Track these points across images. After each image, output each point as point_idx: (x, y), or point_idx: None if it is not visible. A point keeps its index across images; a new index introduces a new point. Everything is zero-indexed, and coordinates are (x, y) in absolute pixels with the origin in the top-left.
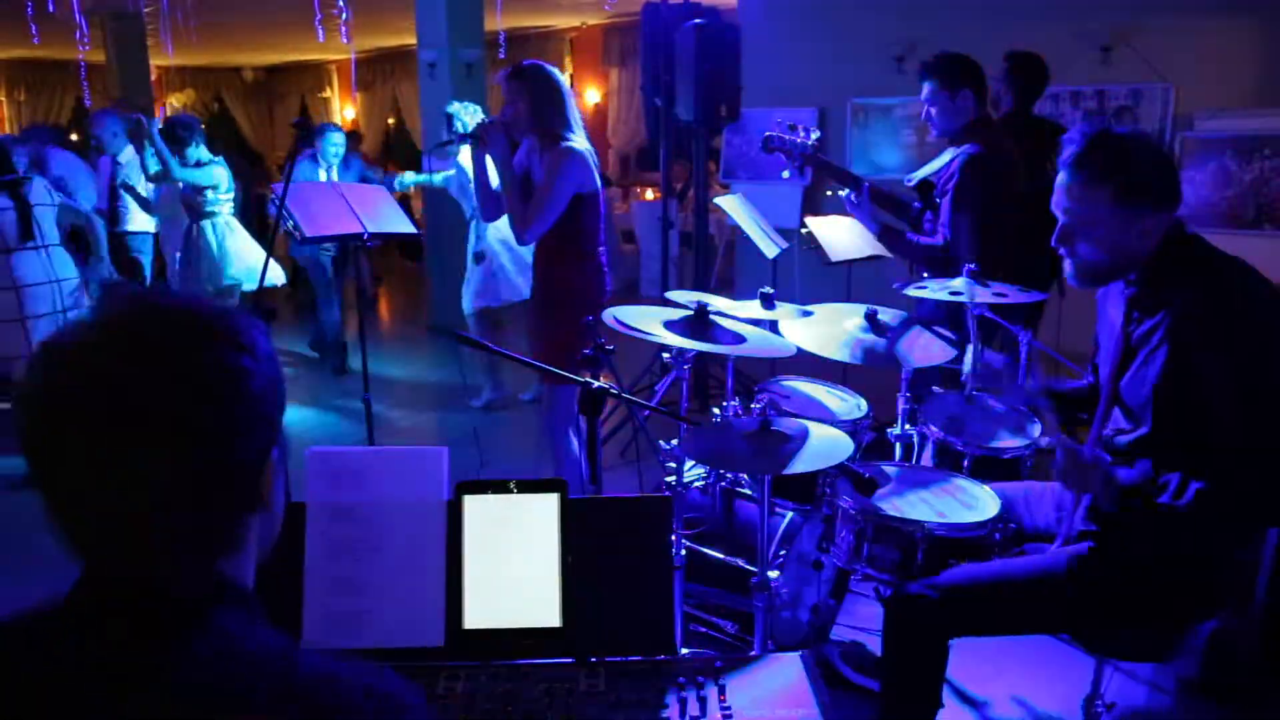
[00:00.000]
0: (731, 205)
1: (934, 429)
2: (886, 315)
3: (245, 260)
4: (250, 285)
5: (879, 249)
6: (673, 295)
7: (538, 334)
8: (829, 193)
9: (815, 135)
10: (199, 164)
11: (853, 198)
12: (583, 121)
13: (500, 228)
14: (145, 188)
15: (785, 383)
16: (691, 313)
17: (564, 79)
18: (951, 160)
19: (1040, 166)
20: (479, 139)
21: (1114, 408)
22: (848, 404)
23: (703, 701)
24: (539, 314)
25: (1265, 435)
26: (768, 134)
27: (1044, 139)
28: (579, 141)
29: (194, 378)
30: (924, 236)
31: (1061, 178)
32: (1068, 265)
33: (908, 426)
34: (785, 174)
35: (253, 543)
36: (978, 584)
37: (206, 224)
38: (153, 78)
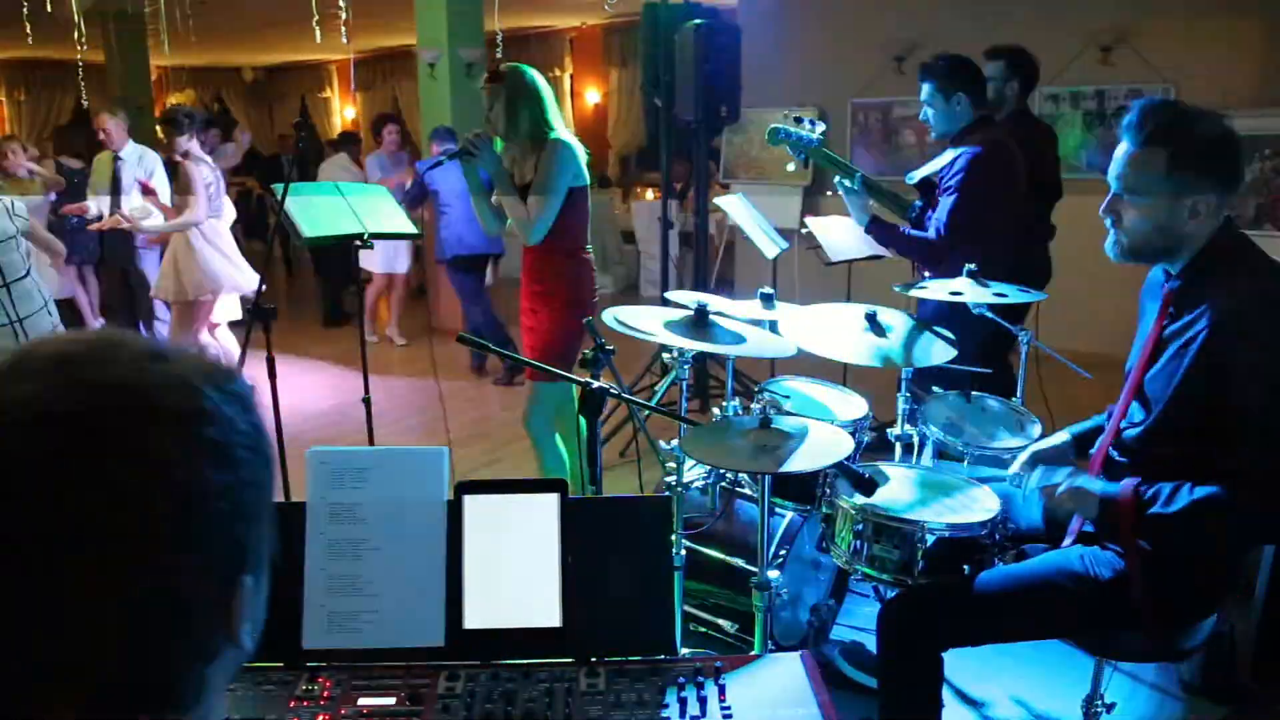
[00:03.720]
0: (732, 205)
1: (934, 429)
2: (886, 315)
3: (213, 272)
4: (218, 295)
5: (878, 248)
6: (672, 295)
7: (528, 331)
8: (829, 193)
9: (821, 128)
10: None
11: (849, 185)
12: (566, 120)
13: None
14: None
15: (785, 383)
16: (691, 313)
17: (542, 80)
18: (955, 159)
19: (1040, 164)
20: (469, 153)
21: (1133, 400)
22: (848, 404)
23: (703, 701)
24: (528, 310)
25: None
26: (773, 126)
27: (1041, 137)
28: (565, 135)
29: (123, 474)
30: (917, 230)
31: (1120, 146)
32: (1110, 238)
33: (908, 426)
34: (791, 166)
35: (219, 683)
36: (968, 597)
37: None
38: (153, 78)
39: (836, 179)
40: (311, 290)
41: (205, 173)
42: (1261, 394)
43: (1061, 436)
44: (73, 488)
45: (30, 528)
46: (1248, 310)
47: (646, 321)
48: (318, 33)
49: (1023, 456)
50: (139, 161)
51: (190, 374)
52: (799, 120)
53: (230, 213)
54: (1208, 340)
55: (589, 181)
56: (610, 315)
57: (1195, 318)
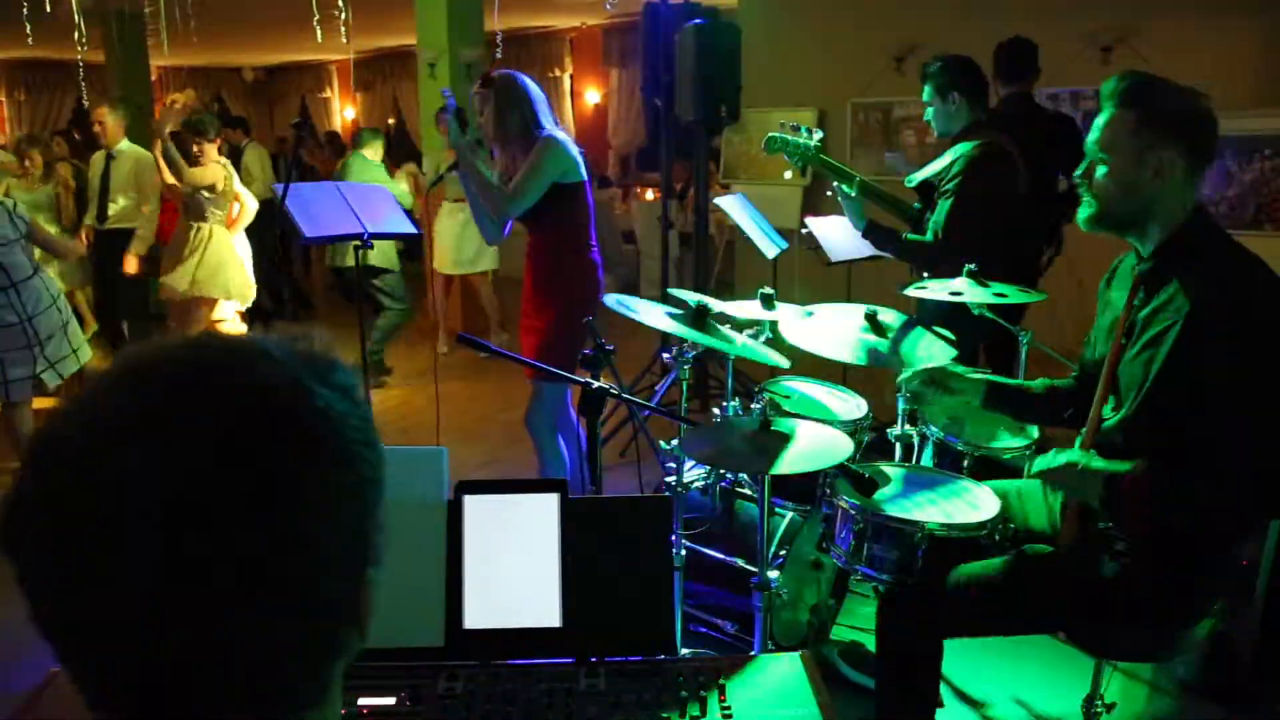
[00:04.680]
0: (731, 205)
1: (934, 429)
2: (886, 315)
3: (222, 274)
4: (229, 300)
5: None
6: (673, 293)
7: (529, 330)
8: (829, 194)
9: (818, 136)
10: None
11: (848, 190)
12: (566, 121)
13: None
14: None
15: (785, 383)
16: (691, 310)
17: (534, 85)
18: (953, 161)
19: (1039, 161)
20: (459, 163)
21: (1109, 391)
22: (848, 404)
23: (703, 701)
24: (530, 310)
25: (1263, 431)
26: (770, 134)
27: (1043, 129)
28: (557, 133)
29: (251, 486)
30: (914, 235)
31: (1101, 114)
32: (1083, 205)
33: (908, 426)
34: (788, 174)
35: (339, 677)
36: (970, 584)
37: (194, 227)
38: (153, 78)
39: (835, 184)
40: (315, 292)
41: (216, 176)
42: (1242, 380)
43: (975, 374)
44: (202, 505)
45: (159, 552)
46: (1222, 297)
47: (647, 316)
48: (318, 32)
49: (924, 369)
50: (134, 162)
51: (300, 372)
52: (796, 128)
53: (250, 211)
54: (1183, 328)
55: (585, 179)
56: (612, 299)
57: (1167, 301)
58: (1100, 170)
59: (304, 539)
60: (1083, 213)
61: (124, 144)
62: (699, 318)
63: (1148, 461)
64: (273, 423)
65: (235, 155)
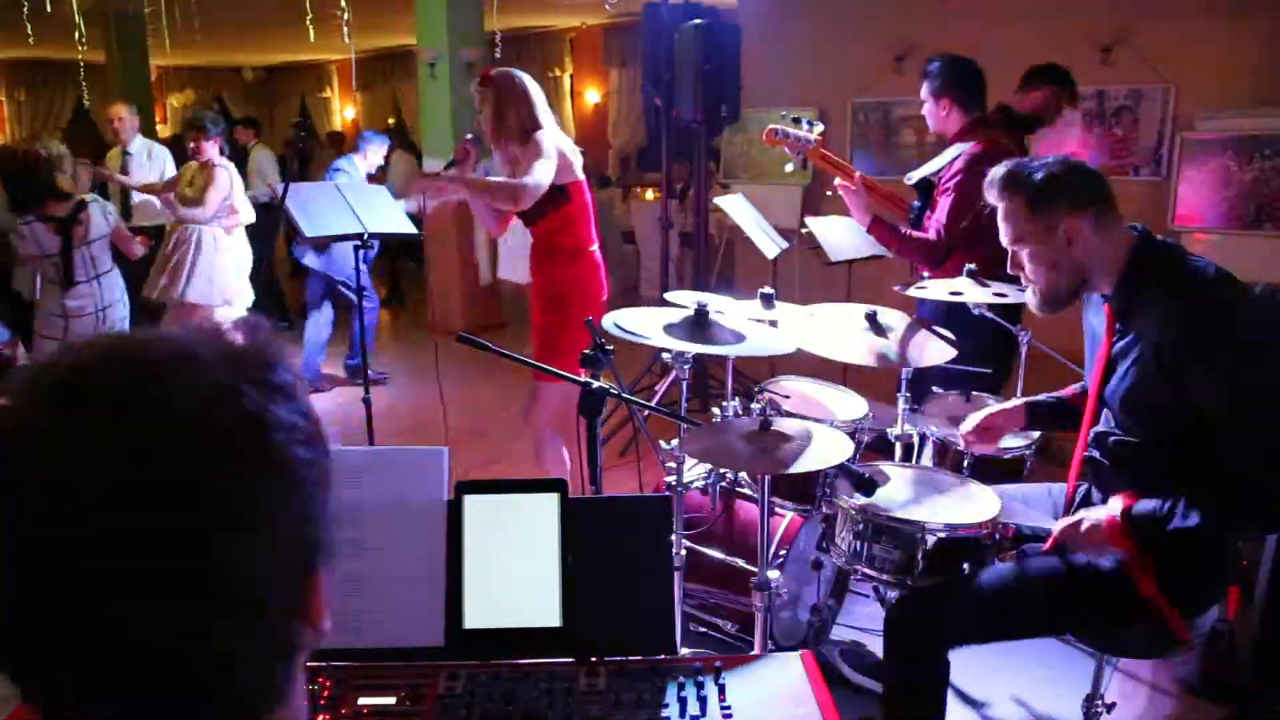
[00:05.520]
0: (732, 205)
1: (934, 429)
2: (886, 315)
3: (219, 279)
4: (224, 305)
5: (879, 248)
6: (672, 296)
7: (537, 329)
8: (829, 193)
9: (819, 129)
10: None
11: (850, 186)
12: (566, 120)
13: None
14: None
15: (785, 383)
16: (690, 314)
17: (532, 83)
18: (954, 159)
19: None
20: (460, 161)
21: (1102, 411)
22: (848, 404)
23: (703, 701)
24: (538, 311)
25: (1260, 441)
26: (771, 127)
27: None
28: (553, 133)
29: (177, 517)
30: (918, 231)
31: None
32: (1029, 295)
33: (908, 426)
34: (789, 167)
35: (300, 674)
36: (974, 595)
37: (192, 232)
38: (153, 78)
39: (837, 182)
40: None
41: (224, 180)
42: (1226, 395)
43: (1015, 403)
44: (116, 513)
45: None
46: (1189, 319)
47: (646, 324)
48: (311, 32)
49: (975, 419)
50: (148, 157)
51: (225, 374)
52: (797, 121)
53: (247, 219)
54: (1153, 362)
55: (580, 179)
56: (609, 321)
57: (1135, 337)
58: (1024, 259)
59: (230, 545)
60: (1033, 303)
61: (138, 141)
62: (699, 319)
63: (1136, 483)
64: (193, 428)
65: (242, 156)
